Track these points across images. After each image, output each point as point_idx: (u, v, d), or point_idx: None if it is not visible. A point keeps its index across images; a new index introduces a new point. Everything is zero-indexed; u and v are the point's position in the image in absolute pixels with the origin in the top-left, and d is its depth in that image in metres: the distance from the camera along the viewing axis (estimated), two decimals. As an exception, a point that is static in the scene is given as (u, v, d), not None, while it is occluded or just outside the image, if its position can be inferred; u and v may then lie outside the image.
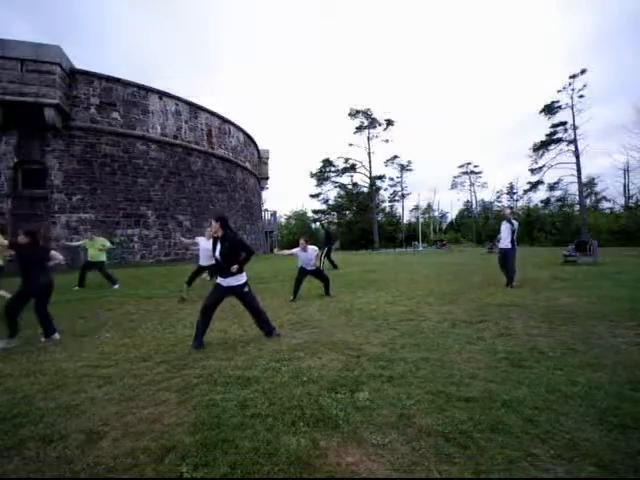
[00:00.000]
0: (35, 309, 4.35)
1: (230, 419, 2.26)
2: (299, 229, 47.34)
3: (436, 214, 65.16)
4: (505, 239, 7.57)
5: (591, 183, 43.01)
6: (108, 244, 9.36)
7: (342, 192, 47.92)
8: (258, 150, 28.97)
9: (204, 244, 7.09)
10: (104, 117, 15.31)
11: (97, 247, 8.96)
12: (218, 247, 3.95)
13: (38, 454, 1.96)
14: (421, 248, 31.21)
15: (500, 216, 7.76)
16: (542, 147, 36.68)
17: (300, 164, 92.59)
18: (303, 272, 6.83)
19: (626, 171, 38.64)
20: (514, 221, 7.53)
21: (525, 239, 35.52)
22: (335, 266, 12.10)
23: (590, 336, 3.91)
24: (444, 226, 62.96)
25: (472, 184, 57.00)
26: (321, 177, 47.20)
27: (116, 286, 8.62)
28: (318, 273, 7.07)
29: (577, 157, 33.20)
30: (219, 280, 4.05)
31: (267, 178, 32.69)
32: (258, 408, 2.41)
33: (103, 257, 9.10)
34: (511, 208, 7.90)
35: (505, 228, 7.56)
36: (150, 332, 4.64)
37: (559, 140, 35.28)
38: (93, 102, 15.02)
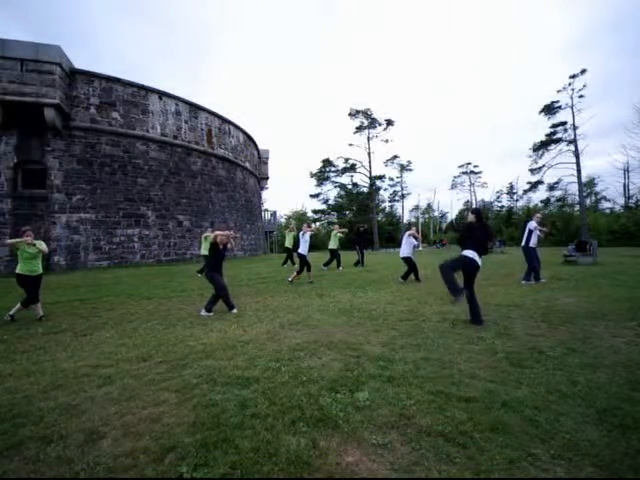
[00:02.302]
0: None
1: (230, 419, 2.26)
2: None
3: (436, 214, 65.31)
4: (535, 238, 8.54)
5: (591, 183, 43.01)
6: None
7: (342, 192, 47.81)
8: (258, 150, 28.96)
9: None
10: (104, 117, 15.30)
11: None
12: None
13: (38, 454, 1.96)
14: (421, 248, 31.21)
15: (538, 219, 8.69)
16: (542, 147, 36.59)
17: (300, 164, 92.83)
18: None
19: (626, 171, 38.68)
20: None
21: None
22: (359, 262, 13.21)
23: (590, 336, 3.91)
24: (444, 226, 63.01)
25: (472, 184, 56.96)
26: (321, 177, 47.10)
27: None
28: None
29: (577, 157, 33.16)
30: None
31: (267, 178, 32.72)
32: (258, 408, 2.41)
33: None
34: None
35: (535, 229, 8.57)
36: (150, 332, 4.63)
37: (559, 140, 35.23)
38: (93, 102, 15.01)
